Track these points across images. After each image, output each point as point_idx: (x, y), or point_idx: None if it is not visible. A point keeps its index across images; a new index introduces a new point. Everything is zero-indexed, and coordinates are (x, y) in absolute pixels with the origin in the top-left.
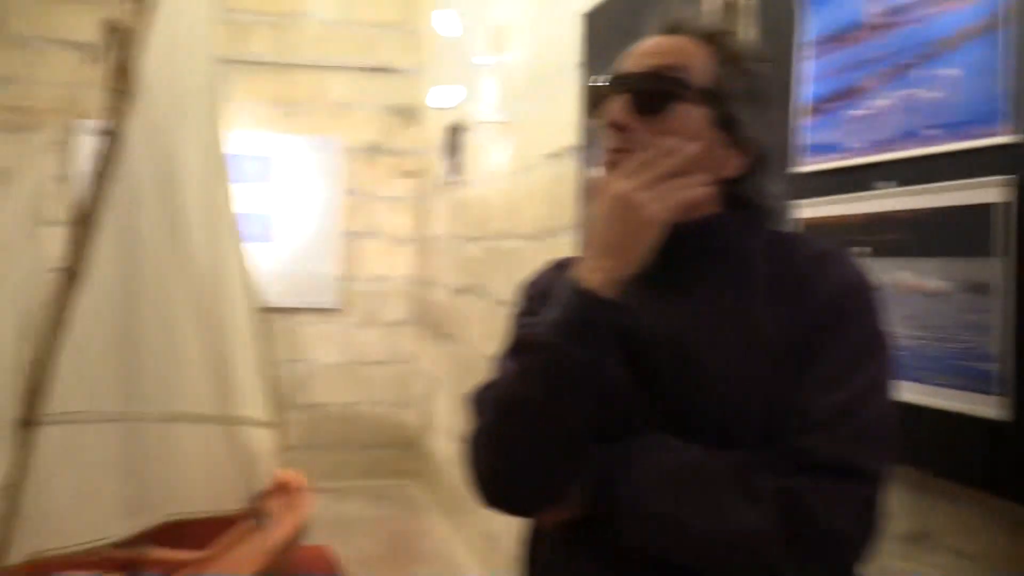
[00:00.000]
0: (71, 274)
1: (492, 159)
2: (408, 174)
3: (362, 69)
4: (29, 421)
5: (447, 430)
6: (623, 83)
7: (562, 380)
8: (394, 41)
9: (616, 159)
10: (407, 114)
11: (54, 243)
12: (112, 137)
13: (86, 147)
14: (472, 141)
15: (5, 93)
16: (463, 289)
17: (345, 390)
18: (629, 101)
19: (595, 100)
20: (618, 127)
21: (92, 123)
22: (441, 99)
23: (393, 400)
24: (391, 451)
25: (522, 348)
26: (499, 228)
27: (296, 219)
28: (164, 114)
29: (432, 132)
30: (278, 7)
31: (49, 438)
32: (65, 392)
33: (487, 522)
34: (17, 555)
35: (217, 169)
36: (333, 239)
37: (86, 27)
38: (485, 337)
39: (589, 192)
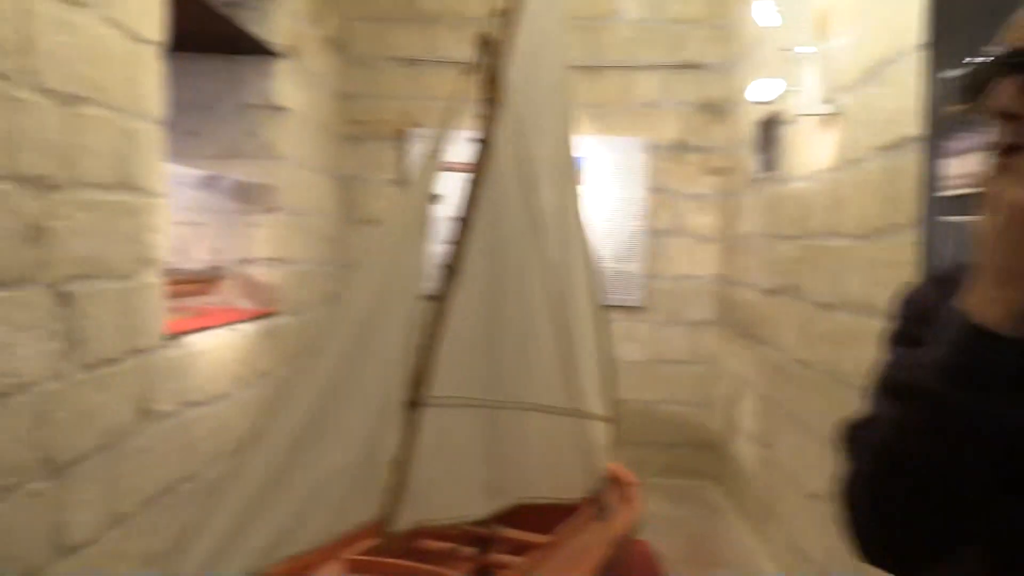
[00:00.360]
0: (451, 271)
1: (813, 153)
2: (715, 171)
3: (669, 67)
4: (415, 403)
5: (752, 434)
6: (1017, 61)
7: (952, 435)
8: (702, 37)
9: (1011, 160)
10: (715, 110)
11: (432, 242)
12: (484, 144)
13: (456, 153)
14: (789, 135)
15: (351, 107)
16: (775, 290)
17: (647, 387)
18: None
19: (975, 85)
20: (1011, 117)
21: (456, 131)
22: (755, 93)
23: (695, 400)
24: (691, 451)
25: (903, 393)
26: (819, 226)
27: (604, 218)
28: (524, 118)
29: (742, 128)
30: (590, 10)
31: (429, 420)
32: (442, 378)
33: (796, 535)
34: (402, 524)
35: (566, 170)
36: (639, 238)
37: (416, 46)
38: (800, 341)
39: (978, 201)
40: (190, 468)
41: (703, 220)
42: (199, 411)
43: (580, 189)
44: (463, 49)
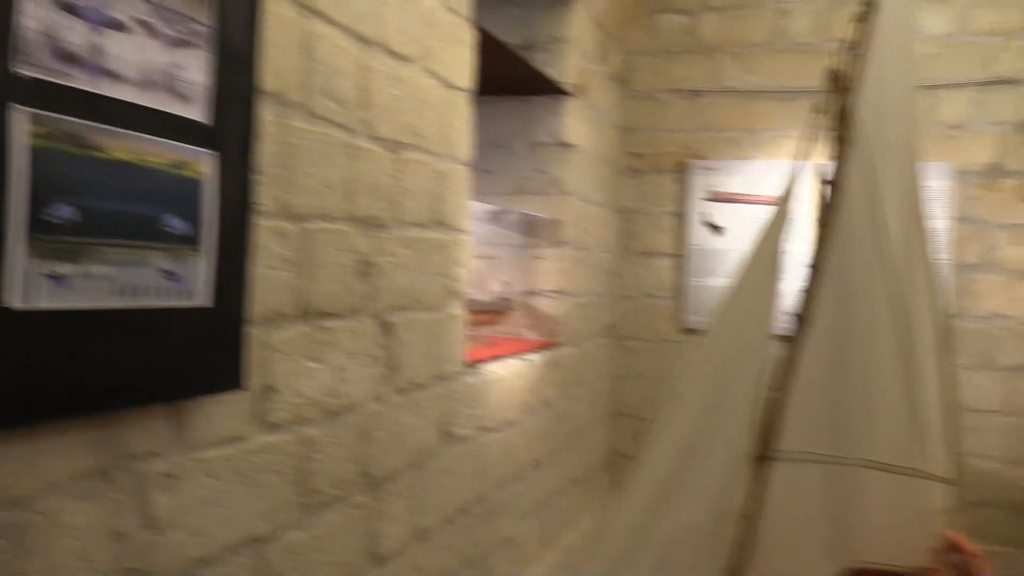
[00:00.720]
0: (803, 320)
1: None
2: None
3: (980, 84)
4: (763, 456)
5: None
6: None
7: None
8: (1020, 48)
9: None
10: None
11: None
12: (835, 186)
13: (804, 192)
14: None
15: (632, 140)
16: None
17: None
18: None
19: None
20: None
21: (805, 169)
22: None
23: (1009, 456)
24: (1002, 514)
25: None
26: None
27: None
28: (874, 151)
29: None
30: None
31: (776, 474)
32: (789, 431)
33: None
34: None
35: (913, 201)
36: (942, 272)
37: (697, 77)
38: None
39: None
40: (481, 491)
41: (1020, 253)
42: (491, 436)
43: (929, 220)
44: (745, 78)
